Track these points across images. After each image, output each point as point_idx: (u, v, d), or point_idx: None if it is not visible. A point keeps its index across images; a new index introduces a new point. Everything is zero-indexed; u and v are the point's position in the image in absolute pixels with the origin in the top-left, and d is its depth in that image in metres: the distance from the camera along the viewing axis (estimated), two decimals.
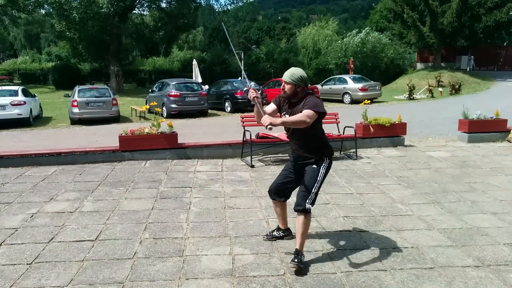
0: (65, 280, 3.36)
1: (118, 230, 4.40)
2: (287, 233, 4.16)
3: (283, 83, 3.59)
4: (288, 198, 3.97)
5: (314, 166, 3.61)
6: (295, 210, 3.58)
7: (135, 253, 3.85)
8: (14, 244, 4.07)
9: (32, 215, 4.84)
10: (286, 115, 3.62)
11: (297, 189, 3.72)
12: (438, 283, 3.30)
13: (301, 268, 3.48)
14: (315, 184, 3.55)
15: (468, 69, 32.98)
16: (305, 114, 3.36)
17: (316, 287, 3.25)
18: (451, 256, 3.75)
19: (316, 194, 3.57)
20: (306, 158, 3.66)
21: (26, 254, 3.84)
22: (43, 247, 3.98)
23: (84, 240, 4.14)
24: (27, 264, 3.65)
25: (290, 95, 3.56)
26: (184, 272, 3.49)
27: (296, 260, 3.49)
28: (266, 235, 4.20)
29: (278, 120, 3.37)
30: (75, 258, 3.76)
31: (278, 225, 4.18)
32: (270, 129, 3.27)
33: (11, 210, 5.04)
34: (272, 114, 3.64)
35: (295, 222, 3.64)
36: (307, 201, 3.51)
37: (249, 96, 3.56)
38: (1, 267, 3.60)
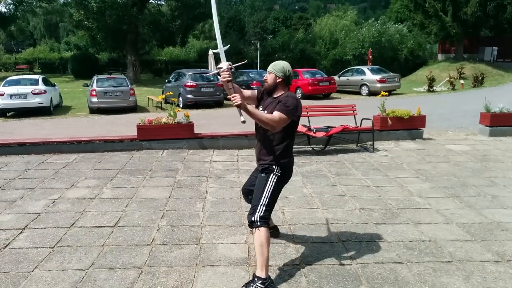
0: (86, 264, 3.45)
1: (136, 217, 4.48)
2: (272, 231, 3.78)
3: (266, 74, 3.36)
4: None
5: (262, 175, 3.26)
6: (248, 224, 3.22)
7: (153, 240, 3.92)
8: (37, 228, 4.18)
9: (54, 201, 4.96)
10: (260, 109, 3.33)
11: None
12: (456, 276, 3.27)
13: None
14: (263, 195, 3.18)
15: (493, 61, 32.20)
16: (275, 118, 3.04)
17: (331, 278, 3.26)
18: (469, 251, 3.71)
19: (268, 205, 3.17)
20: (260, 160, 3.34)
21: (49, 238, 3.94)
22: (65, 232, 4.08)
23: (104, 226, 4.22)
24: (49, 247, 3.75)
25: (270, 85, 3.29)
26: (200, 259, 3.54)
27: None
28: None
29: (249, 107, 3.07)
30: (95, 243, 3.85)
31: None
32: (243, 121, 3.06)
33: (34, 195, 5.17)
34: (246, 100, 3.37)
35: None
36: (256, 214, 3.12)
37: (221, 79, 3.25)
38: (25, 250, 3.71)
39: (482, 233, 4.08)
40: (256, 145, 3.42)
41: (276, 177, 3.24)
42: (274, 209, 4.64)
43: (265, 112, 3.23)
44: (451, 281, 3.21)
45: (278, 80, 3.25)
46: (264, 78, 3.38)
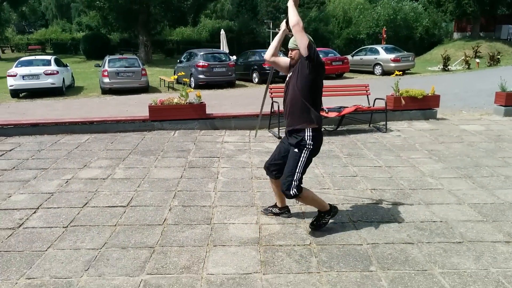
0: (99, 243, 3.51)
1: (148, 197, 4.53)
2: (284, 211, 4.04)
3: (290, 51, 3.57)
4: (280, 176, 3.68)
5: (296, 150, 3.50)
6: (286, 197, 3.61)
7: (165, 220, 3.96)
8: (50, 208, 4.26)
9: (67, 181, 5.04)
10: (289, 74, 3.63)
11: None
12: (466, 257, 3.26)
13: (317, 230, 3.67)
14: (297, 170, 3.46)
15: (507, 39, 31.36)
16: (304, 36, 3.35)
17: (342, 257, 3.28)
18: (481, 231, 3.69)
19: (300, 178, 3.48)
20: (290, 127, 3.56)
21: (62, 218, 4.02)
22: (78, 212, 4.15)
23: (117, 206, 4.28)
24: (63, 227, 3.83)
25: (297, 61, 3.51)
26: (212, 239, 3.58)
27: (312, 223, 3.73)
28: (265, 209, 4.13)
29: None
30: (108, 222, 3.91)
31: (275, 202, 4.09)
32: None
33: (47, 175, 5.25)
34: (280, 62, 3.79)
35: None
36: (292, 189, 3.45)
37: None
38: (39, 229, 3.79)
39: (494, 213, 4.05)
40: (285, 109, 3.66)
41: (308, 151, 3.50)
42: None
43: (291, 75, 3.56)
44: (461, 261, 3.20)
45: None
46: (289, 55, 3.58)
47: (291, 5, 3.47)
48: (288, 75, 3.65)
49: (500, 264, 3.15)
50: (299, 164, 3.48)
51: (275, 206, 4.09)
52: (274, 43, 3.76)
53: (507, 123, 8.02)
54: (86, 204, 4.35)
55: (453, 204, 4.28)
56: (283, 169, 3.60)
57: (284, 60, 3.77)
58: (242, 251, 3.39)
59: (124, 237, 3.62)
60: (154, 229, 3.78)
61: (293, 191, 3.45)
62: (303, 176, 3.55)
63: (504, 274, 3.02)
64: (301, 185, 3.52)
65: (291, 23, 3.40)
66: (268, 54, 3.77)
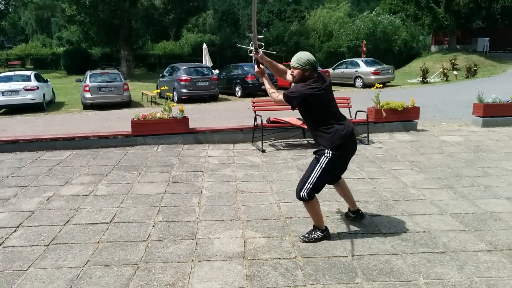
0: (82, 261, 3.44)
1: (132, 213, 4.47)
2: (356, 215, 4.15)
3: (291, 69, 3.57)
4: (336, 181, 3.99)
5: (316, 156, 3.65)
6: (297, 198, 3.70)
7: (148, 236, 3.92)
8: (31, 226, 4.17)
9: (48, 198, 4.94)
10: None
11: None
12: (450, 267, 3.30)
13: (306, 242, 3.72)
14: (312, 174, 3.56)
15: (486, 52, 32.32)
16: (275, 96, 3.70)
17: (327, 270, 3.28)
18: (463, 241, 3.75)
19: (315, 184, 3.55)
20: (315, 143, 3.81)
21: (43, 236, 3.93)
22: (60, 229, 4.07)
23: (99, 223, 4.22)
24: (44, 245, 3.74)
25: (299, 79, 3.52)
26: (197, 254, 3.55)
27: (303, 235, 3.81)
28: (346, 213, 4.28)
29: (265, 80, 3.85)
30: (90, 240, 3.84)
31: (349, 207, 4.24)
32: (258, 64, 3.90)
33: (28, 193, 5.15)
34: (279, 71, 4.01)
35: None
36: (303, 190, 3.56)
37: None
38: (19, 248, 3.70)
39: (476, 223, 4.12)
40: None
41: (327, 159, 3.55)
42: (270, 202, 4.68)
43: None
44: (445, 271, 3.24)
45: (306, 73, 3.49)
46: (291, 73, 3.59)
47: (259, 75, 3.89)
48: None
49: (483, 273, 3.20)
50: (315, 170, 3.57)
51: (348, 210, 4.23)
52: (267, 85, 3.86)
53: (485, 134, 8.22)
54: (68, 221, 4.27)
55: (436, 215, 4.34)
56: (338, 176, 3.94)
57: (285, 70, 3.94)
58: (227, 265, 3.36)
59: (107, 254, 3.56)
60: (138, 245, 3.73)
61: (303, 194, 3.55)
62: (322, 186, 3.65)
63: (487, 283, 3.06)
64: (316, 192, 3.60)
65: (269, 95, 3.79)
66: (274, 97, 3.74)
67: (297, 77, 3.52)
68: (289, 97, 3.51)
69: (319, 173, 3.56)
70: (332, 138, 3.52)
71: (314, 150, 3.73)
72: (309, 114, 3.58)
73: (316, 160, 3.61)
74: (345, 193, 4.07)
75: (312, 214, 3.74)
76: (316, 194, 3.62)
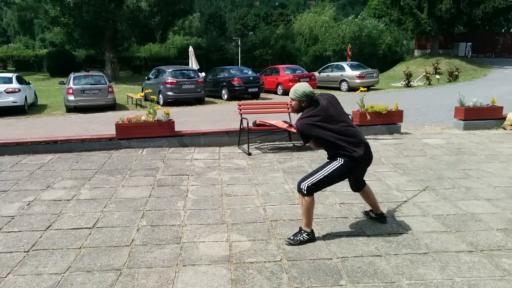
0: (63, 268, 3.39)
1: (115, 217, 4.42)
2: (379, 217, 4.22)
3: (289, 101, 3.80)
4: (360, 189, 4.08)
5: (328, 159, 3.77)
6: (297, 189, 3.79)
7: (132, 240, 3.87)
8: (11, 232, 4.08)
9: (29, 203, 4.85)
10: None
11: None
12: (432, 267, 3.35)
13: (292, 245, 3.73)
14: (320, 172, 3.67)
15: (467, 56, 32.96)
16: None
17: (312, 272, 3.29)
18: (445, 242, 3.80)
19: (319, 182, 3.65)
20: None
21: (23, 242, 3.86)
22: (40, 235, 4.00)
23: (82, 228, 4.16)
24: (24, 251, 3.67)
25: (296, 110, 3.77)
26: (181, 259, 3.52)
27: (289, 237, 3.82)
28: (365, 211, 4.39)
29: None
30: (72, 245, 3.78)
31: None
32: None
33: (8, 198, 5.04)
34: None
35: None
36: (304, 182, 3.66)
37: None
38: None
39: (457, 224, 4.18)
40: None
41: (338, 164, 3.64)
42: (256, 206, 4.68)
43: None
44: (427, 272, 3.28)
45: (303, 104, 3.69)
46: (289, 103, 3.84)
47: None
48: None
49: (464, 274, 3.25)
50: (325, 169, 3.67)
51: (371, 211, 4.28)
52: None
53: (466, 137, 8.36)
54: (49, 226, 4.19)
55: (418, 216, 4.40)
56: (360, 183, 4.03)
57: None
58: (212, 269, 3.35)
59: (90, 260, 3.51)
60: (121, 250, 3.68)
61: (304, 186, 3.64)
62: (324, 186, 3.76)
63: (468, 283, 3.11)
64: (316, 190, 3.70)
65: None
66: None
67: (295, 107, 3.75)
68: (301, 136, 3.78)
69: (327, 173, 3.65)
70: (347, 153, 3.62)
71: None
72: (316, 142, 3.73)
73: (329, 161, 3.72)
74: (369, 199, 4.17)
75: (304, 212, 3.74)
76: (314, 194, 3.72)
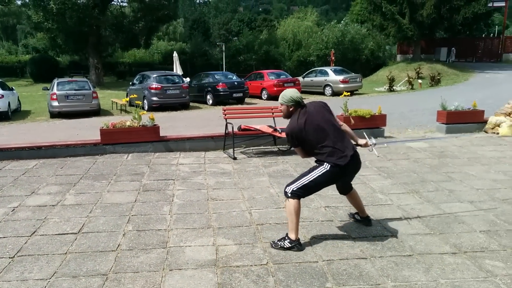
0: (48, 273, 3.35)
1: (101, 222, 4.39)
2: (364, 220, 4.28)
3: (279, 105, 3.88)
4: (347, 193, 4.15)
5: (316, 164, 3.79)
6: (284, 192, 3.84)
7: (118, 245, 3.85)
8: None
9: (14, 209, 4.79)
10: None
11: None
12: (417, 269, 3.41)
13: (273, 248, 3.78)
14: (306, 176, 3.70)
15: (449, 61, 33.60)
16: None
17: (298, 275, 3.32)
18: (429, 244, 3.87)
19: (305, 186, 3.68)
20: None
21: (8, 248, 3.81)
22: (25, 241, 3.95)
23: (67, 233, 4.12)
24: (9, 257, 3.62)
25: (285, 115, 3.84)
26: (168, 263, 3.52)
27: (273, 241, 3.86)
28: (351, 213, 4.47)
29: None
30: (58, 251, 3.75)
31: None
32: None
33: None
34: None
35: None
36: (290, 186, 3.71)
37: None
38: None
39: (441, 226, 4.27)
40: None
41: (324, 170, 3.66)
42: (241, 210, 4.70)
43: None
44: (412, 274, 3.34)
45: (291, 109, 3.76)
46: (279, 108, 3.91)
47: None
48: None
49: (448, 275, 3.31)
50: (311, 174, 3.69)
51: (357, 213, 4.34)
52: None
53: (448, 140, 8.52)
54: (34, 232, 4.15)
55: (402, 219, 4.47)
56: (347, 188, 4.09)
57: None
58: (199, 274, 3.35)
59: (75, 265, 3.48)
60: (107, 255, 3.66)
61: (289, 189, 3.69)
62: (310, 192, 3.77)
63: (452, 285, 3.17)
64: (301, 194, 3.71)
65: None
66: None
67: (284, 112, 3.83)
68: (288, 140, 3.86)
69: (312, 178, 3.68)
70: (331, 157, 3.65)
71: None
72: (303, 149, 3.79)
73: (316, 166, 3.74)
74: (356, 202, 4.22)
75: (289, 216, 3.71)
76: (301, 200, 3.73)
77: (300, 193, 3.70)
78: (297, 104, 3.75)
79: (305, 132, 3.65)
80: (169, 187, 5.63)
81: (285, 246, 3.74)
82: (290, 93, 3.77)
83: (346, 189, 4.12)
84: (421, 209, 4.73)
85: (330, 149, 3.65)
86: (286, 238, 3.77)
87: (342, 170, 3.68)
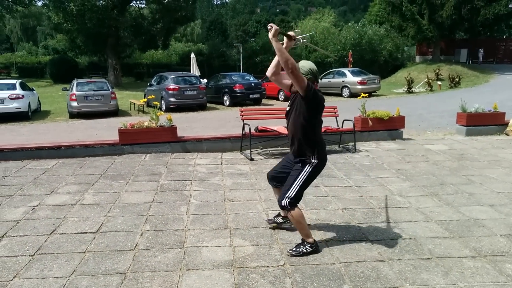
0: (68, 271, 3.41)
1: (119, 222, 4.44)
2: (286, 220, 4.16)
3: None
4: (281, 184, 3.85)
5: (299, 164, 3.65)
6: (279, 206, 3.73)
7: (136, 245, 3.89)
8: (16, 236, 4.11)
9: (34, 208, 4.88)
10: (288, 106, 3.74)
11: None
12: (435, 273, 3.35)
13: (294, 256, 3.63)
14: (295, 183, 3.59)
15: (478, 63, 33.09)
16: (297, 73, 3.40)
17: (315, 277, 3.30)
18: (448, 247, 3.81)
19: (298, 192, 3.59)
20: (296, 154, 3.69)
21: (28, 246, 3.88)
22: (45, 239, 4.02)
23: (86, 232, 4.18)
24: (29, 255, 3.69)
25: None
26: (185, 263, 3.54)
27: (291, 249, 3.71)
28: (269, 219, 4.30)
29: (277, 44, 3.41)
30: (77, 249, 3.80)
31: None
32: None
33: (13, 203, 5.07)
34: (282, 80, 3.85)
35: None
36: (285, 198, 3.58)
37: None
38: (3, 258, 3.64)
39: (460, 230, 4.19)
40: (288, 134, 3.78)
41: (311, 167, 3.61)
42: (258, 211, 4.70)
43: (291, 107, 3.68)
44: (430, 277, 3.29)
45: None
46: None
47: (273, 42, 3.41)
48: (288, 105, 3.75)
49: (468, 279, 3.26)
50: (299, 178, 3.60)
51: (278, 215, 4.23)
52: (274, 61, 3.75)
53: (468, 142, 8.37)
54: (53, 231, 4.22)
55: (421, 222, 4.40)
56: (283, 181, 3.75)
57: (286, 80, 3.83)
58: (215, 274, 3.36)
59: (94, 264, 3.53)
60: (125, 254, 3.70)
61: (285, 202, 3.57)
62: (302, 195, 3.66)
63: None
64: (297, 201, 3.61)
65: (282, 65, 3.40)
66: (269, 72, 3.82)
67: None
68: (309, 86, 3.45)
69: (302, 181, 3.60)
70: (319, 148, 3.62)
71: (296, 159, 3.70)
72: (309, 121, 3.52)
73: (299, 169, 3.63)
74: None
75: (297, 224, 3.68)
76: (298, 204, 3.65)
77: (297, 201, 3.62)
78: (314, 77, 3.61)
79: (321, 104, 3.57)
80: (186, 187, 5.66)
81: (307, 251, 3.66)
82: (309, 65, 3.61)
83: (283, 180, 3.78)
84: (440, 212, 4.66)
85: (321, 137, 3.64)
86: (305, 243, 3.69)
87: (323, 165, 3.69)
